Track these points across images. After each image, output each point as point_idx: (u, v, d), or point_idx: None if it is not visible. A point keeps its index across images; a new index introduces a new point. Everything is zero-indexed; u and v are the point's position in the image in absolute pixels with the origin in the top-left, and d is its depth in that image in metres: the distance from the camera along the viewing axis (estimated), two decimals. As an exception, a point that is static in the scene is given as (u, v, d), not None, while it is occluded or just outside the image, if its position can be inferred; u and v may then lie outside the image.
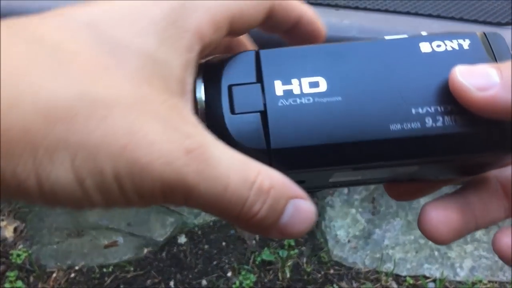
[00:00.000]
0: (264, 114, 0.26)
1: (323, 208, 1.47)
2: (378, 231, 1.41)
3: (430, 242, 1.39)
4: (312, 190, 0.30)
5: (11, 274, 1.36)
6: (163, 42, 0.23)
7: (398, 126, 0.26)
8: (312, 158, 0.26)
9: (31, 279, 1.38)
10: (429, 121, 0.26)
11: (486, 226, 0.31)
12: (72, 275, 1.39)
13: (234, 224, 0.26)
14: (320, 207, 1.47)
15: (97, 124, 0.21)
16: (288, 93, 0.26)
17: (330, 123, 0.26)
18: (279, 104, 0.26)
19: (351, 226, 1.44)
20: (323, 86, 0.26)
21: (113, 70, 0.22)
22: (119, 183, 0.21)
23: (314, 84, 0.26)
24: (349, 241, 1.42)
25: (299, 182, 0.27)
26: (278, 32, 0.31)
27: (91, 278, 1.38)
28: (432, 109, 0.26)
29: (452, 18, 0.86)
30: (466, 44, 0.27)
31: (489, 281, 1.32)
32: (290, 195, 0.25)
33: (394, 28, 0.53)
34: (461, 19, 0.87)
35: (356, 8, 0.53)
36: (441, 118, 0.26)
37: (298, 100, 0.26)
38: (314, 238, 1.43)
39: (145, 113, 0.22)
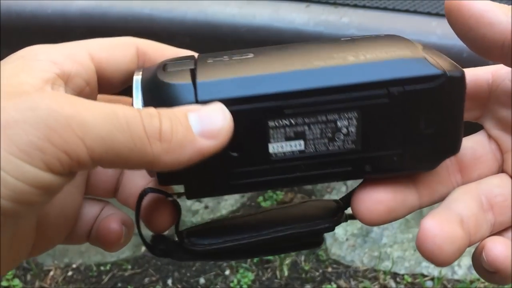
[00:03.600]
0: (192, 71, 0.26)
1: (321, 206, 1.47)
2: (376, 230, 1.41)
3: (428, 241, 1.39)
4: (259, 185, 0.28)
5: (8, 272, 1.36)
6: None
7: None
8: (239, 108, 0.25)
9: (28, 277, 1.38)
10: None
11: (433, 203, 0.29)
12: (70, 273, 1.39)
13: (154, 168, 0.23)
14: (318, 205, 1.47)
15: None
16: None
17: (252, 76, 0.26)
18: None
19: (349, 224, 1.44)
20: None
21: None
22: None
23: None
24: (347, 240, 1.42)
25: (234, 148, 0.25)
26: None
27: (88, 276, 1.38)
28: None
29: (451, 16, 0.86)
30: None
31: (487, 280, 1.32)
32: (187, 109, 0.24)
33: (393, 27, 0.53)
34: (460, 17, 0.86)
35: (355, 6, 0.52)
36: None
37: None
38: (312, 236, 1.43)
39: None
